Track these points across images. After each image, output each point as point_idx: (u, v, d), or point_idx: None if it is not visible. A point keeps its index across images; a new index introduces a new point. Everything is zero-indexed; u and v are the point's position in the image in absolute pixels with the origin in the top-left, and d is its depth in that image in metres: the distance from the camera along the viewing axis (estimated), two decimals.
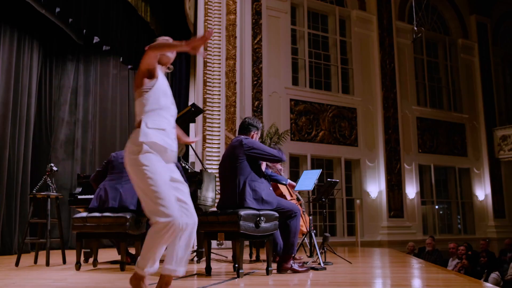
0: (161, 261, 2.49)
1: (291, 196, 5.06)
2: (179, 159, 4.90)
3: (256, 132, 3.77)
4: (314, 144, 10.93)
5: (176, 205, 2.31)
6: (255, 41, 9.91)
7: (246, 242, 4.86)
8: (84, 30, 6.83)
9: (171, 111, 2.51)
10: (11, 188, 6.58)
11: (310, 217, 4.79)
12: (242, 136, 3.68)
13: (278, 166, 5.01)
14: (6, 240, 6.34)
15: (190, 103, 7.43)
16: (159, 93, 2.46)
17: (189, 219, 2.40)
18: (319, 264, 4.08)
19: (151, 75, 2.46)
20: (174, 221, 2.26)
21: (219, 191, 3.86)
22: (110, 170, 4.15)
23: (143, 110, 2.41)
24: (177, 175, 2.48)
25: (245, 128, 3.74)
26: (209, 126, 8.34)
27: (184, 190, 2.48)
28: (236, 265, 3.44)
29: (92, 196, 4.36)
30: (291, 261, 3.65)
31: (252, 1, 9.99)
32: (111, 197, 3.92)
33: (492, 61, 14.51)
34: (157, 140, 2.35)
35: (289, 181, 4.92)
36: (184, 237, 2.40)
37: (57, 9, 6.22)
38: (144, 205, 2.34)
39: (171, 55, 2.63)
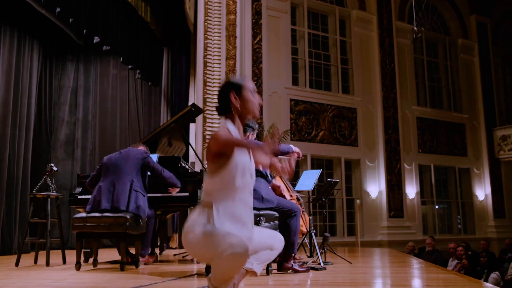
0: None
1: (291, 196, 5.06)
2: (179, 159, 4.90)
3: (252, 133, 3.69)
4: (314, 144, 10.93)
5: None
6: (255, 41, 9.90)
7: None
8: (84, 30, 6.82)
9: (250, 186, 2.12)
10: (11, 188, 6.58)
11: (310, 217, 4.79)
12: None
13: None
14: (6, 240, 6.34)
15: (190, 103, 7.43)
16: (236, 171, 2.03)
17: None
18: (319, 264, 4.08)
19: (225, 155, 2.05)
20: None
21: None
22: (104, 172, 4.15)
23: (214, 192, 2.04)
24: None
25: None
26: (209, 126, 8.34)
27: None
28: None
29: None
30: (292, 261, 3.65)
31: (252, 1, 9.99)
32: (105, 199, 3.93)
33: (492, 61, 14.50)
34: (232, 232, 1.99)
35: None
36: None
37: (57, 9, 6.21)
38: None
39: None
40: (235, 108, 2.12)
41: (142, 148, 4.47)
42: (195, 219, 2.04)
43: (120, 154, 4.22)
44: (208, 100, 8.41)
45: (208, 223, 1.98)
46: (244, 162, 2.08)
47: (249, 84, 2.18)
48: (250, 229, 2.07)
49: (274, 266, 3.66)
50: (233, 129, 2.11)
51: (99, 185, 4.06)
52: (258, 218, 3.36)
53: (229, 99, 2.12)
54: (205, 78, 8.45)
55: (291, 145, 4.07)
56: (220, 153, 2.03)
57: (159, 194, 4.58)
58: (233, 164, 2.03)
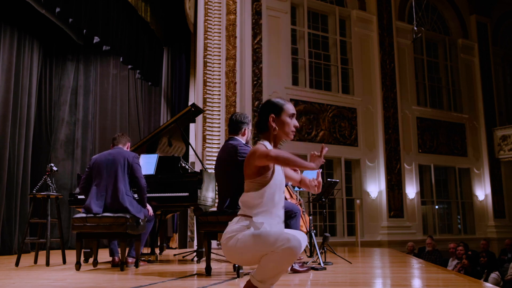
0: None
1: (291, 196, 5.06)
2: (179, 159, 4.90)
3: (247, 127, 3.63)
4: (314, 144, 10.92)
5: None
6: (255, 41, 9.90)
7: None
8: (84, 30, 6.82)
9: (282, 202, 2.26)
10: (11, 188, 6.58)
11: (310, 217, 4.79)
12: (238, 138, 3.57)
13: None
14: (6, 240, 6.34)
15: (190, 103, 7.43)
16: (275, 187, 2.18)
17: None
18: (319, 264, 4.08)
19: (265, 169, 2.16)
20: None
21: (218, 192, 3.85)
22: (95, 175, 4.08)
23: (255, 207, 2.14)
24: None
25: (236, 126, 3.58)
26: (209, 126, 8.34)
27: None
28: (236, 265, 3.44)
29: None
30: None
31: (252, 1, 9.98)
32: (96, 204, 3.93)
33: (492, 61, 14.50)
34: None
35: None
36: None
37: (57, 9, 6.21)
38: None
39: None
40: (272, 128, 2.24)
41: (129, 150, 4.41)
42: (237, 226, 2.12)
43: (110, 156, 4.12)
44: (208, 100, 8.41)
45: (254, 229, 2.09)
46: (281, 179, 2.23)
47: (289, 107, 2.31)
48: None
49: None
50: (270, 147, 2.20)
51: (91, 191, 4.04)
52: None
53: (268, 119, 2.24)
54: (205, 78, 8.45)
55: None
56: (263, 168, 2.13)
57: (159, 194, 4.58)
58: (274, 181, 2.16)
